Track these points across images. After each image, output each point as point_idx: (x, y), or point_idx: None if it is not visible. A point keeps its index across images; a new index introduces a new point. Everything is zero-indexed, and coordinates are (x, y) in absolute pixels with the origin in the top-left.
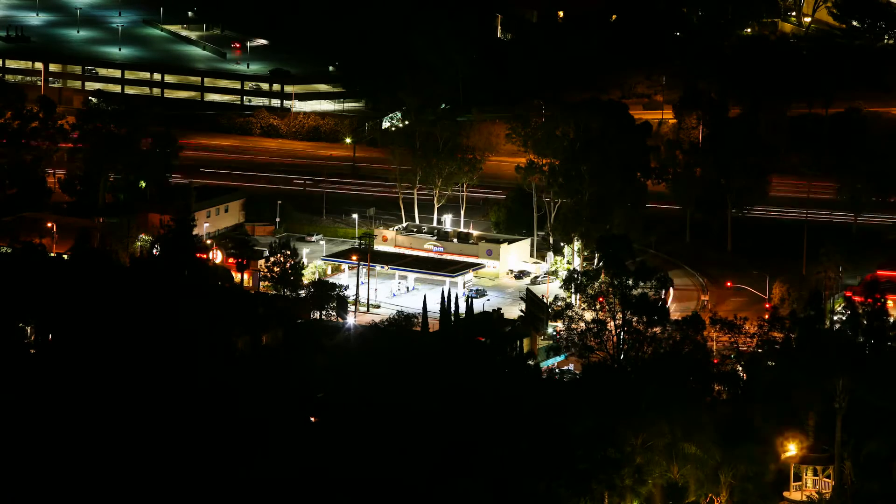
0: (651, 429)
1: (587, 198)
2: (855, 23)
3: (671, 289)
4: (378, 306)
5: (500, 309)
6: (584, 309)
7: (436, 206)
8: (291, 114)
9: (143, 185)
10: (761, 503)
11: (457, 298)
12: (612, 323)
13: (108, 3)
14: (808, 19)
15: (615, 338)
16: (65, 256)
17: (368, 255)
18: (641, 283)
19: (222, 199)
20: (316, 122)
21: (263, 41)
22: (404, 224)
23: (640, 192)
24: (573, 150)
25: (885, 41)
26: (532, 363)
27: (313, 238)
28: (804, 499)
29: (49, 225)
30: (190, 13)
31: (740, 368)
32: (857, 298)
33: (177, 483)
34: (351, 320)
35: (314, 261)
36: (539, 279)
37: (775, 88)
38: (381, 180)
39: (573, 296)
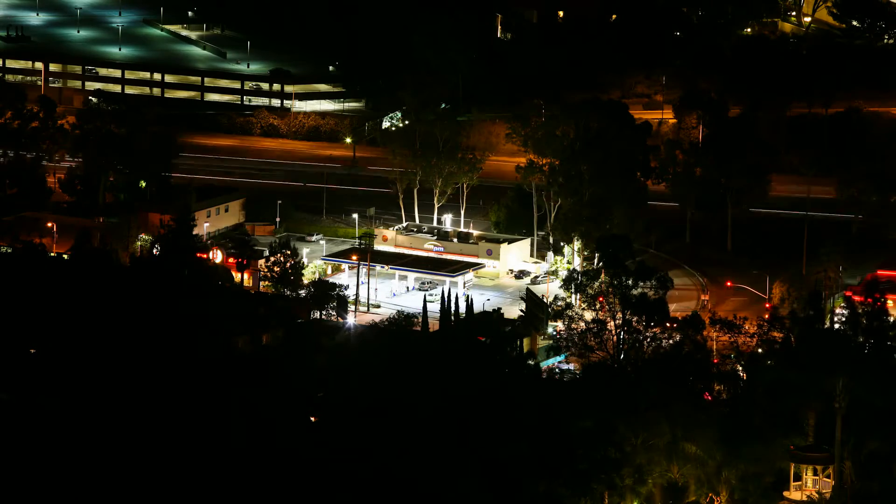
0: (651, 428)
1: (587, 198)
2: (855, 23)
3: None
4: (378, 306)
5: (500, 309)
6: (584, 309)
7: (436, 206)
8: (291, 114)
9: (143, 184)
10: (761, 503)
11: (457, 298)
12: (612, 323)
13: (108, 3)
14: (808, 19)
15: (615, 338)
16: (65, 256)
17: (368, 255)
18: (641, 283)
19: (222, 199)
20: (316, 122)
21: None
22: (404, 224)
23: (640, 192)
24: (573, 150)
25: (885, 41)
26: (532, 363)
27: (313, 238)
28: (804, 499)
29: (49, 225)
30: (190, 13)
31: (740, 368)
32: (857, 298)
33: (177, 483)
34: (351, 320)
35: (314, 261)
36: (539, 279)
37: (775, 88)
38: (380, 180)
39: (573, 296)
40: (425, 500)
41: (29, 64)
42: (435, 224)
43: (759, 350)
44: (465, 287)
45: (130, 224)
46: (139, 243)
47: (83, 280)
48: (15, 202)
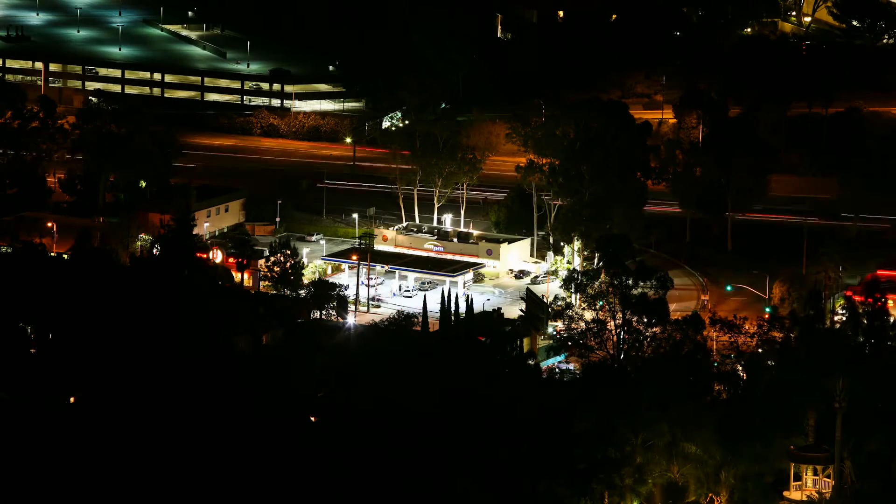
0: (651, 428)
1: (587, 198)
2: (855, 23)
3: None
4: (378, 306)
5: (500, 309)
6: (584, 309)
7: (436, 206)
8: (291, 114)
9: (143, 184)
10: (761, 503)
11: (457, 298)
12: (612, 323)
13: (108, 2)
14: (808, 19)
15: (615, 338)
16: (65, 256)
17: (369, 255)
18: (641, 283)
19: (222, 199)
20: (316, 122)
21: None
22: (404, 224)
23: (640, 192)
24: (573, 150)
25: (885, 41)
26: (532, 363)
27: (313, 238)
28: (804, 499)
29: (49, 225)
30: (190, 13)
31: (740, 368)
32: (857, 298)
33: (177, 483)
34: (351, 320)
35: (314, 261)
36: (539, 279)
37: (775, 88)
38: (380, 181)
39: (573, 296)
40: (426, 500)
41: (29, 64)
42: (435, 224)
43: (759, 350)
44: (465, 287)
45: (130, 224)
46: (139, 243)
47: (83, 280)
48: (15, 202)
